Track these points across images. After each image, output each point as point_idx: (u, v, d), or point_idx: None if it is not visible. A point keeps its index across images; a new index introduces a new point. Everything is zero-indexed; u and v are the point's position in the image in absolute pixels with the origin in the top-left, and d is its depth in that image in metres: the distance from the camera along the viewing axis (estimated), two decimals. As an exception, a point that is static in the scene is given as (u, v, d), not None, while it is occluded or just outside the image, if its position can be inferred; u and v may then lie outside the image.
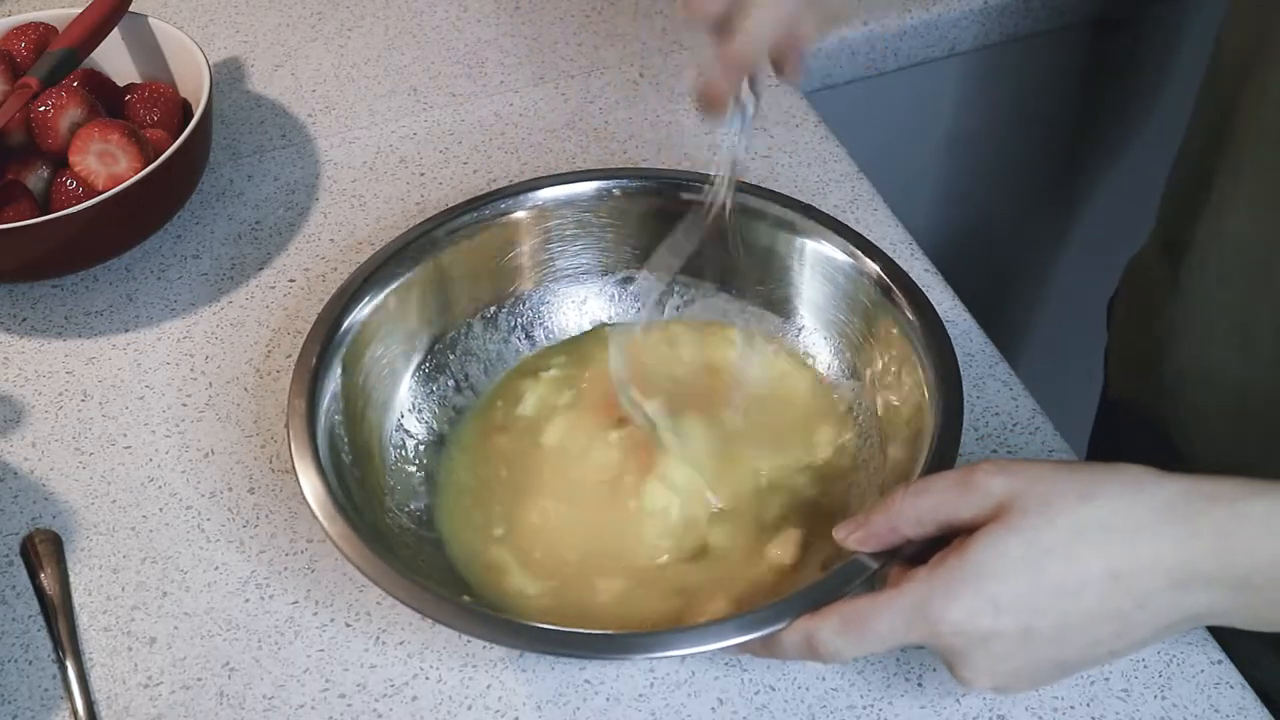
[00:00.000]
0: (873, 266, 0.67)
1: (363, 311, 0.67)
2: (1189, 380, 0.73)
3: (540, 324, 0.73)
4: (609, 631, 0.56)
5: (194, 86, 0.82)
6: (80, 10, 0.83)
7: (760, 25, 0.60)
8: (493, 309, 0.73)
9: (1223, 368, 0.69)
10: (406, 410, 0.69)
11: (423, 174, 0.87)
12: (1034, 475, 0.52)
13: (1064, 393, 0.91)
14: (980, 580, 0.50)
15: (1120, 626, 0.51)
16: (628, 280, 0.74)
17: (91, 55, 0.83)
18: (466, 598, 0.61)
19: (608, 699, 0.61)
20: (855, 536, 0.55)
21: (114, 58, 0.85)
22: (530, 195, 0.71)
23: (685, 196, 0.71)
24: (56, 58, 0.79)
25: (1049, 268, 1.35)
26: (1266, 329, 0.66)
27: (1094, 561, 0.50)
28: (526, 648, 0.55)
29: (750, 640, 0.54)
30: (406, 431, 0.68)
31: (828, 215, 0.69)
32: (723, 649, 0.54)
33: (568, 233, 0.72)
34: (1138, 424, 0.81)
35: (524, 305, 0.73)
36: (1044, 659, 0.52)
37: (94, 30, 0.82)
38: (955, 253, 1.20)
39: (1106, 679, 0.61)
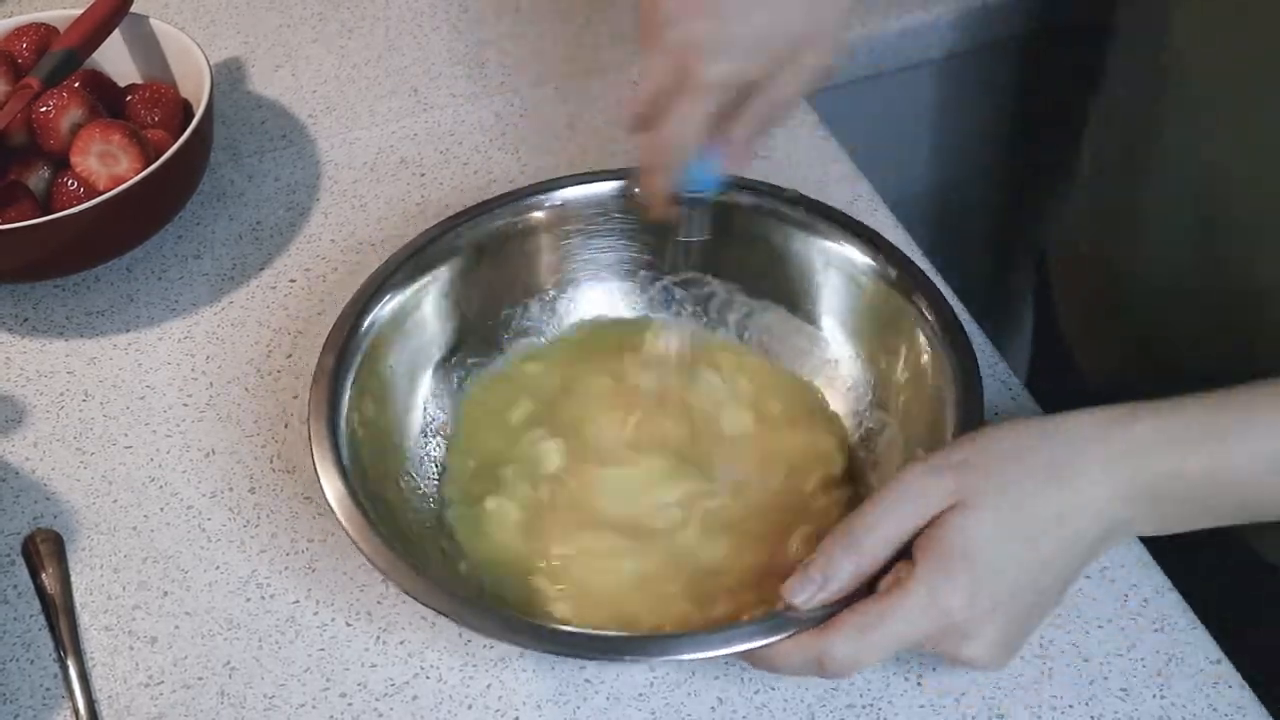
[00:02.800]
0: (891, 268, 0.67)
1: (387, 306, 0.67)
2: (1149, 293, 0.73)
3: (566, 320, 0.74)
4: (604, 633, 0.57)
5: (195, 87, 0.82)
6: (81, 11, 0.83)
7: (682, 124, 0.58)
8: (519, 305, 0.73)
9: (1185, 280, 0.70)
10: (428, 404, 0.69)
11: (423, 175, 0.87)
12: (964, 455, 0.55)
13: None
14: (970, 558, 0.52)
15: (1066, 561, 0.54)
16: (652, 279, 0.74)
17: (92, 56, 0.83)
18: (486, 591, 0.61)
19: (608, 698, 0.61)
20: (821, 597, 0.54)
21: (115, 58, 0.86)
22: (552, 194, 0.72)
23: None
24: (58, 58, 0.79)
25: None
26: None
27: (1045, 507, 0.53)
28: (510, 641, 0.55)
29: (748, 650, 0.54)
30: (427, 426, 0.68)
31: (846, 215, 0.70)
32: (722, 656, 0.54)
33: (590, 231, 0.73)
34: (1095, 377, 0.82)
35: (549, 302, 0.73)
36: (1022, 613, 0.54)
37: (95, 31, 0.82)
38: (955, 251, 1.20)
39: (1106, 679, 0.61)
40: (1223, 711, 0.59)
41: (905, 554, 0.54)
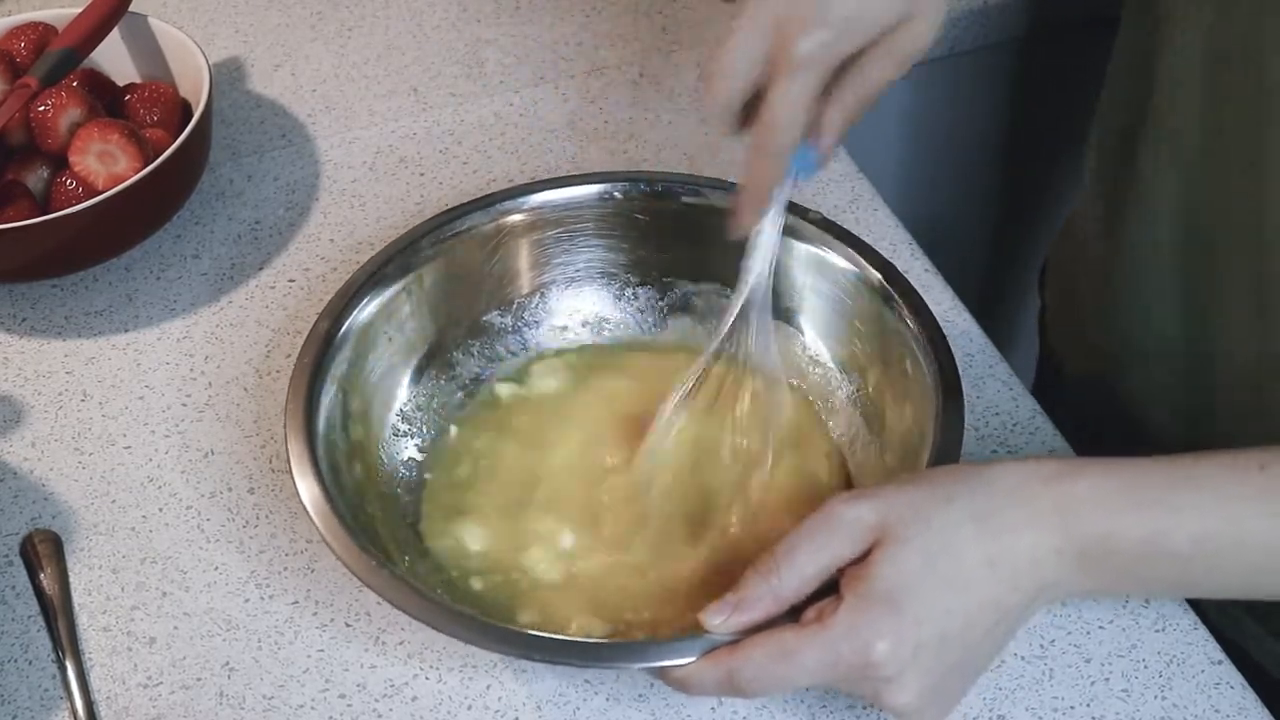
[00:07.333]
0: (873, 273, 0.67)
1: (364, 312, 0.67)
2: (1132, 345, 0.74)
3: (543, 326, 0.73)
4: (521, 630, 0.57)
5: (194, 86, 0.82)
6: (80, 10, 0.83)
7: (786, 103, 0.56)
8: (496, 310, 0.73)
9: (1167, 334, 0.70)
10: (405, 410, 0.69)
11: (423, 174, 0.87)
12: (892, 492, 0.54)
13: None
14: (895, 601, 0.51)
15: (999, 615, 0.53)
16: (630, 284, 0.74)
17: (91, 55, 0.83)
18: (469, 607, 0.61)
19: (607, 699, 0.61)
20: (735, 621, 0.53)
21: (114, 57, 0.85)
22: (532, 197, 0.71)
23: (688, 200, 0.71)
24: (56, 57, 0.79)
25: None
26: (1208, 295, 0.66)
27: (973, 553, 0.52)
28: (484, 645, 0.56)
29: (661, 668, 0.54)
30: (404, 432, 0.68)
31: (827, 219, 0.69)
32: (632, 670, 0.56)
33: (571, 235, 0.72)
34: (1079, 385, 0.81)
35: (527, 308, 0.73)
36: (954, 664, 0.53)
37: (94, 30, 0.82)
38: (955, 251, 1.20)
39: (1107, 679, 0.60)
40: (1225, 712, 0.59)
41: (835, 589, 0.53)
